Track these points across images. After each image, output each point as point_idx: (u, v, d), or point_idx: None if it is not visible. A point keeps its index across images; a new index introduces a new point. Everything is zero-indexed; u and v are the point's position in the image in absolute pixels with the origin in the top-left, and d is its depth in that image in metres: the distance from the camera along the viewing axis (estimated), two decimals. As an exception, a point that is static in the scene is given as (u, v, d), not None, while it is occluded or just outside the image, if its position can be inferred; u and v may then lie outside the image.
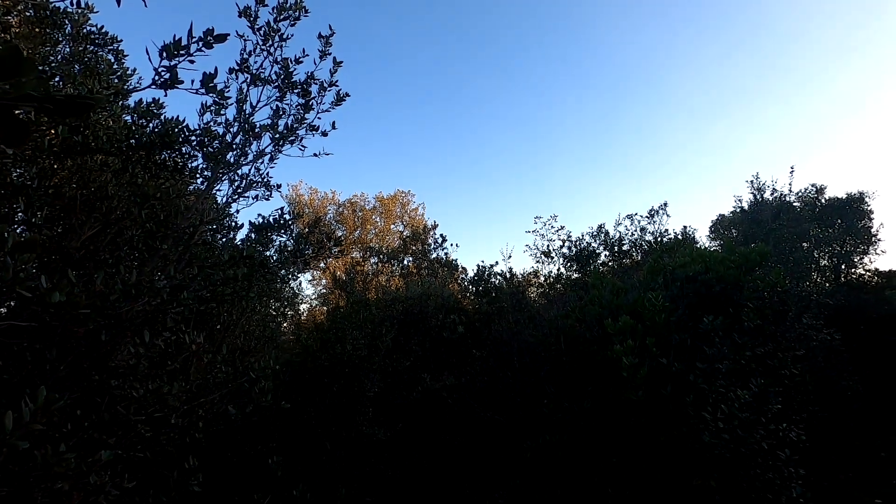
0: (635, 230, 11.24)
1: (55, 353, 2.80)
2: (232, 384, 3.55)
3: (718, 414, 4.53)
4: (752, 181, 14.82)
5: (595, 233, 11.09)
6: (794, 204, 14.10)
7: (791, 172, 17.02)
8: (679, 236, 10.78)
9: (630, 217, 11.42)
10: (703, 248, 8.67)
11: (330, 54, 3.60)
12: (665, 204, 11.24)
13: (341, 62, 3.64)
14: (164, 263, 3.48)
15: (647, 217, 11.25)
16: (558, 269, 10.82)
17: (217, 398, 3.67)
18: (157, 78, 1.50)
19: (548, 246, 11.09)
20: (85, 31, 3.89)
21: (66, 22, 3.83)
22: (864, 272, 13.75)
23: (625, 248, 10.88)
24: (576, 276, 10.32)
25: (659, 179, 42.05)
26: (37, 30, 3.82)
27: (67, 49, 3.97)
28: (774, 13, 41.72)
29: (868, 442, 8.14)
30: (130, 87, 3.86)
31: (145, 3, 1.01)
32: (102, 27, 3.90)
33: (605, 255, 10.86)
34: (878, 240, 13.64)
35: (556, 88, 43.13)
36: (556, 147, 43.85)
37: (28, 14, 3.83)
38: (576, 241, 10.80)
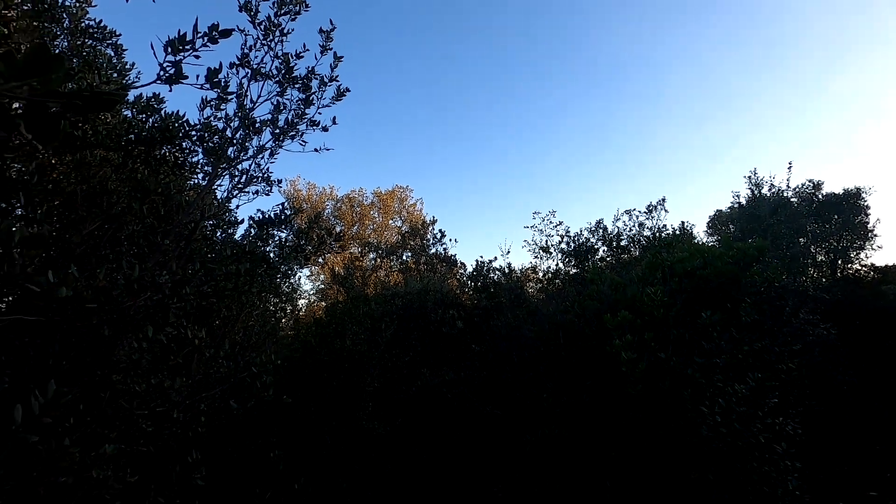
0: (633, 225, 11.27)
1: (58, 348, 2.80)
2: (234, 379, 3.56)
3: (716, 408, 4.56)
4: (749, 177, 14.85)
5: (593, 228, 11.11)
6: (792, 199, 14.14)
7: (789, 168, 17.08)
8: (677, 231, 10.81)
9: (628, 213, 11.44)
10: (701, 243, 8.69)
11: (331, 49, 3.59)
12: (663, 199, 11.27)
13: (342, 57, 3.63)
14: (166, 258, 3.48)
15: (645, 213, 11.27)
16: (557, 265, 10.84)
17: (218, 393, 3.68)
18: (161, 73, 1.50)
19: (546, 241, 11.10)
20: (83, 25, 3.86)
21: (65, 16, 3.81)
22: (860, 267, 13.82)
23: (623, 243, 10.90)
24: (574, 271, 10.34)
25: (657, 175, 42.09)
26: (35, 24, 3.78)
27: (65, 43, 3.95)
28: (771, 16, 41.70)
29: (863, 435, 8.22)
30: (130, 81, 3.84)
31: (154, -1, 1.01)
32: (101, 21, 3.88)
33: (604, 251, 10.88)
34: (875, 235, 13.71)
35: (557, 86, 43.04)
36: (556, 143, 43.80)
37: (26, 8, 3.80)
38: (574, 237, 10.81)
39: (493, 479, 6.32)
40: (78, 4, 3.80)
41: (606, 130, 46.12)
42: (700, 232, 15.70)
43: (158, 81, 1.50)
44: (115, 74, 3.91)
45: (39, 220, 3.24)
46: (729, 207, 15.46)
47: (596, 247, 10.62)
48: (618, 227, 11.20)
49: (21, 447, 1.77)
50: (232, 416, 3.85)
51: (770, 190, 14.48)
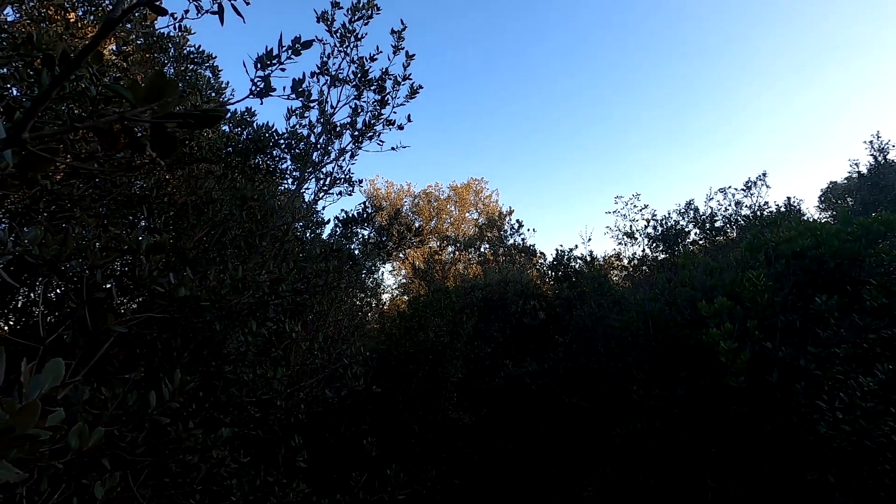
0: (729, 205, 10.38)
1: (179, 342, 3.16)
2: (328, 370, 3.80)
3: (836, 403, 4.09)
4: (871, 141, 13.00)
5: (683, 210, 10.39)
6: (927, 164, 12.20)
7: (922, 128, 14.68)
8: (782, 208, 9.78)
9: (723, 191, 10.55)
10: (811, 220, 7.82)
11: (403, 49, 3.67)
12: (764, 174, 10.24)
13: (413, 55, 3.70)
14: (263, 259, 3.80)
15: (742, 190, 10.33)
16: (643, 251, 10.30)
17: (315, 382, 3.96)
18: (253, 88, 1.64)
19: (630, 226, 10.58)
20: (185, 51, 4.29)
21: (170, 45, 4.25)
22: None
23: (717, 224, 10.08)
24: (662, 256, 9.76)
25: (755, 148, 38.13)
26: (147, 55, 4.28)
27: (172, 69, 4.41)
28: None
29: None
30: (226, 98, 4.21)
31: (243, 19, 1.09)
32: (199, 46, 4.28)
33: (696, 234, 10.14)
34: None
35: (631, 59, 40.50)
36: (635, 123, 41.25)
37: (139, 42, 4.30)
38: (661, 220, 10.19)
39: (582, 472, 6.17)
40: (180, 34, 4.23)
41: (693, 104, 42.54)
42: (810, 207, 14.10)
43: (251, 96, 1.64)
44: (213, 93, 4.30)
45: (159, 229, 3.67)
46: (846, 178, 13.67)
47: (686, 229, 9.93)
48: (711, 208, 10.39)
49: (156, 427, 2.03)
50: (327, 405, 4.12)
51: (898, 155, 12.59)
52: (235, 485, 2.92)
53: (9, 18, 3.68)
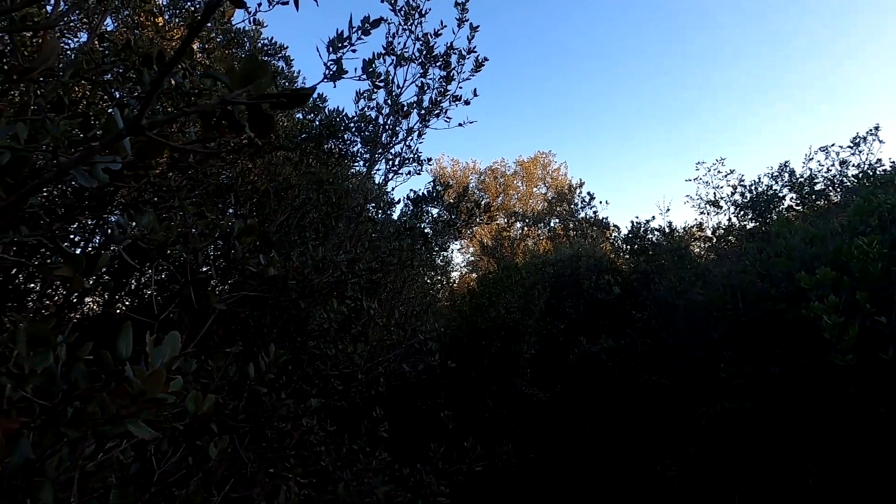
0: (832, 165, 9.27)
1: (269, 319, 3.41)
2: (404, 345, 3.93)
3: (969, 384, 3.61)
4: None
5: (776, 173, 9.43)
6: None
7: None
8: (899, 166, 8.59)
9: (824, 149, 9.41)
10: (937, 177, 6.81)
11: (467, 21, 3.59)
12: (876, 127, 9.01)
13: (478, 27, 3.61)
14: (339, 240, 3.96)
15: (849, 147, 9.16)
16: (728, 220, 9.54)
17: (392, 358, 4.11)
18: (326, 72, 1.69)
19: (714, 194, 9.83)
20: (260, 44, 4.50)
21: (246, 40, 4.47)
22: None
23: (818, 187, 9.06)
24: (752, 225, 8.98)
25: (860, 102, 33.44)
26: (226, 52, 4.53)
27: (249, 63, 4.64)
28: None
29: None
30: (298, 86, 4.37)
31: (317, 2, 1.10)
32: (272, 38, 4.46)
33: (792, 199, 9.19)
34: None
35: (713, 11, 36.77)
36: (717, 81, 37.64)
37: (218, 39, 4.56)
38: (750, 186, 9.34)
39: (663, 451, 5.96)
40: (254, 28, 4.43)
41: (786, 54, 37.90)
42: (934, 164, 12.25)
43: (325, 80, 1.68)
44: (287, 83, 4.49)
45: (246, 215, 3.93)
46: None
47: (780, 194, 9.03)
48: (810, 169, 9.33)
49: (253, 397, 2.22)
50: (405, 379, 4.28)
51: None
52: (324, 451, 3.13)
53: (108, 28, 4.03)
